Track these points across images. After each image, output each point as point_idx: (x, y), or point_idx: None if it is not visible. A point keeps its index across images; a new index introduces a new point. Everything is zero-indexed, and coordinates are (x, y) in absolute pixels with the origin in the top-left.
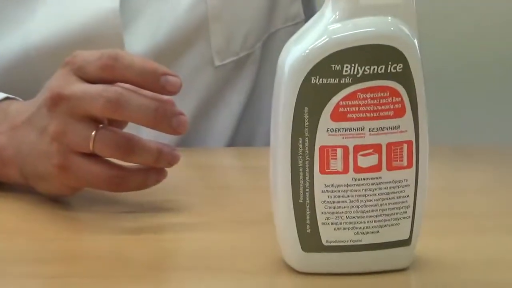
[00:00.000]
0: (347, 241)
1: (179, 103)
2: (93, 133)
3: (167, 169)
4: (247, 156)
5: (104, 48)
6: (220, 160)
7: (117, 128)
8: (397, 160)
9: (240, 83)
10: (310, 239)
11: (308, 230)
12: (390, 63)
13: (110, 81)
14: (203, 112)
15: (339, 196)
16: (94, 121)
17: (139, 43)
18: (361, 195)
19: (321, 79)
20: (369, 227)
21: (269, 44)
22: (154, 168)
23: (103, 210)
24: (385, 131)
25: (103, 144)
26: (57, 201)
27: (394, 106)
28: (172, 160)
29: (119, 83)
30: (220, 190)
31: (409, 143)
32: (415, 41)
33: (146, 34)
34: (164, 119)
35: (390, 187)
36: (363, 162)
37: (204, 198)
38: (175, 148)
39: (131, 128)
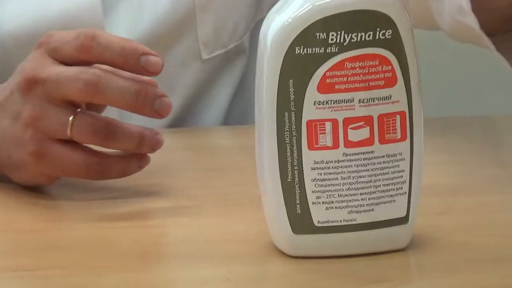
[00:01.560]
0: (340, 221)
1: None
2: (70, 118)
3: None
4: (236, 135)
5: None
6: (208, 140)
7: (94, 112)
8: (390, 133)
9: (229, 75)
10: (300, 220)
11: (298, 211)
12: (378, 29)
13: (87, 63)
14: (190, 107)
15: (329, 173)
16: (71, 106)
17: (120, 34)
18: (353, 171)
19: (305, 49)
20: (363, 205)
21: (256, 32)
22: (136, 154)
23: (83, 197)
24: (376, 102)
25: (81, 130)
26: (34, 189)
27: (384, 75)
28: (155, 145)
29: (97, 65)
30: (208, 172)
31: (402, 114)
32: (405, 4)
33: (127, 26)
34: (146, 101)
35: (383, 162)
36: (354, 135)
37: (191, 181)
38: (158, 131)
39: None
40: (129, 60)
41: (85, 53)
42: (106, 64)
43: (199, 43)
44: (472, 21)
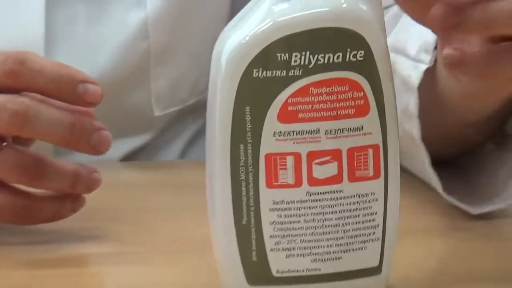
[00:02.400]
0: (303, 271)
1: (110, 155)
2: None
3: None
4: (190, 170)
5: None
6: (157, 176)
7: (22, 146)
8: (361, 169)
9: (184, 126)
10: (256, 270)
11: (254, 259)
12: (348, 50)
13: (15, 90)
14: (137, 155)
15: (291, 215)
16: None
17: None
18: (318, 213)
19: (265, 72)
20: (329, 252)
21: None
22: (70, 195)
23: (10, 240)
24: (345, 133)
25: (7, 167)
26: None
27: (355, 102)
28: (91, 185)
29: (27, 93)
30: (153, 213)
31: (375, 147)
32: (380, 23)
33: None
34: (82, 135)
35: (353, 203)
36: (320, 172)
37: (134, 223)
38: (95, 169)
39: None
40: (64, 88)
41: (13, 79)
42: (37, 92)
43: (152, 97)
44: (415, 125)
